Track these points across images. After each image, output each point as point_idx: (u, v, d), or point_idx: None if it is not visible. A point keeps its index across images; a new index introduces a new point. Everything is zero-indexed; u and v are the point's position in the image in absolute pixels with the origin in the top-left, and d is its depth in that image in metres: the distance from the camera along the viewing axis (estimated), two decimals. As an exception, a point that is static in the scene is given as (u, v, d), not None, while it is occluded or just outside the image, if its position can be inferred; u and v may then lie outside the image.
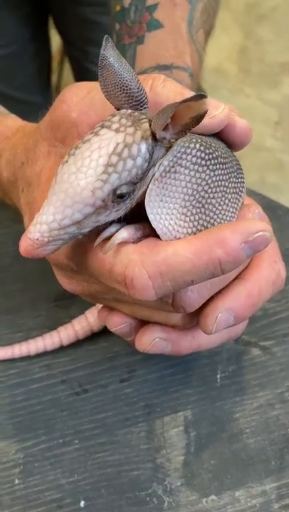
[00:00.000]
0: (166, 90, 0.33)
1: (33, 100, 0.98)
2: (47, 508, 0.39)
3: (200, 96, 0.27)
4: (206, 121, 0.33)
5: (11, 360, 0.46)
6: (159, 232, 0.31)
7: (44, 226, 0.29)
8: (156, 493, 0.40)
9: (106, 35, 0.31)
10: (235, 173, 0.34)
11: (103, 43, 0.30)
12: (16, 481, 0.40)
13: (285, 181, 2.13)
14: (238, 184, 0.34)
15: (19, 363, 0.46)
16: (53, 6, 0.96)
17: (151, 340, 0.37)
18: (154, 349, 0.38)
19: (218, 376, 0.46)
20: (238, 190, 0.34)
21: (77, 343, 0.47)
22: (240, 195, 0.35)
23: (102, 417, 0.44)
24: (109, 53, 0.30)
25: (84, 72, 1.02)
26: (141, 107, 0.31)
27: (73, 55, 1.04)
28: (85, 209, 0.29)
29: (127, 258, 0.30)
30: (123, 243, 0.31)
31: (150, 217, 0.31)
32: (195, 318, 0.37)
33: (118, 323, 0.38)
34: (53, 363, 0.46)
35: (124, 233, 0.31)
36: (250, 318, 0.49)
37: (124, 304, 0.37)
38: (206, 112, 0.28)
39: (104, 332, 0.48)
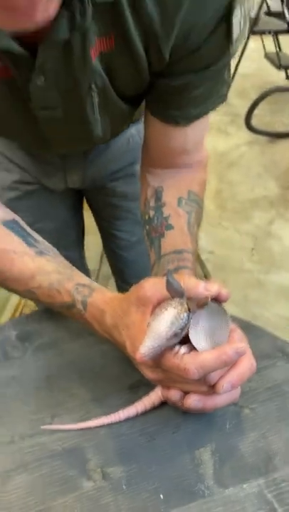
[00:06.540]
0: (189, 281, 0.73)
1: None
2: None
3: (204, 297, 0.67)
4: (205, 293, 0.73)
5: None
6: (198, 348, 0.69)
7: (146, 348, 0.67)
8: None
9: (168, 270, 0.73)
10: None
11: (168, 274, 0.69)
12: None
13: (265, 296, 2.42)
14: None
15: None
16: (90, 197, 1.41)
17: (192, 401, 0.73)
18: (193, 406, 0.73)
19: (227, 426, 0.81)
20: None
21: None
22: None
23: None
24: (171, 278, 0.70)
25: (109, 236, 1.46)
26: (181, 297, 0.70)
27: (101, 224, 1.47)
28: (162, 340, 0.67)
29: (186, 361, 0.68)
30: (184, 354, 0.69)
31: (194, 343, 0.69)
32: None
33: (175, 394, 0.75)
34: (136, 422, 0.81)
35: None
36: (242, 392, 0.85)
37: (179, 383, 0.73)
38: (207, 299, 0.68)
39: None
